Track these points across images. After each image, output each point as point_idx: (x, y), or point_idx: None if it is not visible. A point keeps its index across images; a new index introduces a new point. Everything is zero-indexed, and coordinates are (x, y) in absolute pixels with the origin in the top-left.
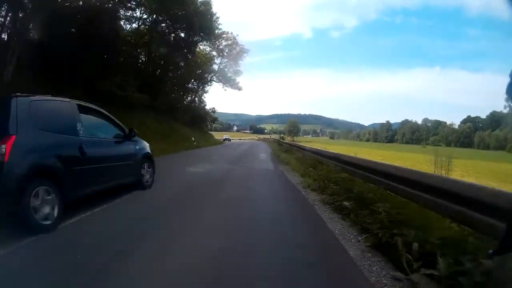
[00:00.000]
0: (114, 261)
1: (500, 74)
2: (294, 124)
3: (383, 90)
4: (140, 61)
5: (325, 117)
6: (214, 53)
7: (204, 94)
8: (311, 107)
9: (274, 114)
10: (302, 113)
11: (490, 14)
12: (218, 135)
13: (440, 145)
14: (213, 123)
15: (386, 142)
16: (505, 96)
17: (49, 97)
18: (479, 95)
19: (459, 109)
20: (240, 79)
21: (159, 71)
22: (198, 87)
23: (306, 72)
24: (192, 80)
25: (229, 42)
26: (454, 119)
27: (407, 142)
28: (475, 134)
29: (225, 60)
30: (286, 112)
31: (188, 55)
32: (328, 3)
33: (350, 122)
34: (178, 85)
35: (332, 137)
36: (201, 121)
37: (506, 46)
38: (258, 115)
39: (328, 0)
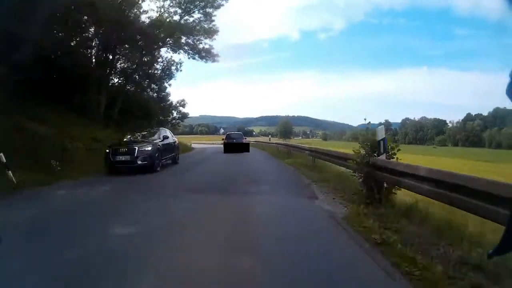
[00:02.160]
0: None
1: (490, 72)
2: (287, 124)
3: (372, 90)
4: None
5: (313, 118)
6: (176, 8)
7: (170, 81)
8: (299, 108)
9: (262, 116)
10: (291, 114)
11: (478, 13)
12: (199, 139)
13: (447, 145)
14: (181, 121)
15: None
16: (502, 94)
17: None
18: (470, 93)
19: (452, 108)
20: (225, 75)
21: None
22: (143, 56)
23: (294, 74)
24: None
25: None
26: (450, 117)
27: (410, 143)
28: (486, 133)
29: (192, 16)
30: (275, 114)
31: None
32: (315, 5)
33: (339, 123)
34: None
35: (325, 139)
36: (150, 118)
37: (493, 44)
38: (246, 118)
39: (315, 2)
